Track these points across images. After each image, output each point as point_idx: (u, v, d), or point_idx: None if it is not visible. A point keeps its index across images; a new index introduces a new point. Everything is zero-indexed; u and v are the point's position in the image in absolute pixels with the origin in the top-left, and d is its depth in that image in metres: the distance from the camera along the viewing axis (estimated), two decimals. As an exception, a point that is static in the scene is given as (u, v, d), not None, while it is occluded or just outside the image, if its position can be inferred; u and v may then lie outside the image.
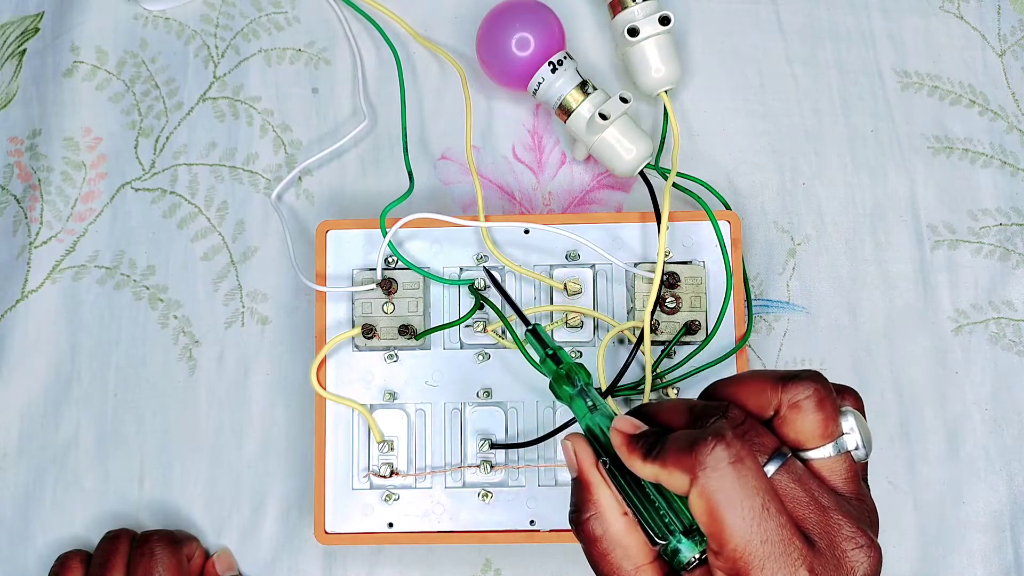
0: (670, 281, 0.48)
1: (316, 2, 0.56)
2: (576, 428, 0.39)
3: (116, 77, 0.55)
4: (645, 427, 0.34)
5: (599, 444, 0.35)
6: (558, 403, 0.49)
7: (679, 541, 0.33)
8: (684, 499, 0.32)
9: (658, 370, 0.48)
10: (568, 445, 0.36)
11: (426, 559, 0.51)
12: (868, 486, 0.34)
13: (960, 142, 0.54)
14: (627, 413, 0.36)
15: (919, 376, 0.52)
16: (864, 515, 0.32)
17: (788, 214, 0.53)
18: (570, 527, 0.35)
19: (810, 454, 0.32)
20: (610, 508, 0.34)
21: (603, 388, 0.47)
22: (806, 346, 0.52)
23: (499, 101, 0.55)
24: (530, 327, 0.40)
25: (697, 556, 0.33)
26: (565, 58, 0.50)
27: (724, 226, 0.49)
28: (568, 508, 0.35)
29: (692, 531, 0.33)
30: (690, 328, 0.48)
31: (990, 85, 0.55)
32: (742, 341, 0.49)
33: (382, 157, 0.54)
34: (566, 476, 0.48)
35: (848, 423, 0.33)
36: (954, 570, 0.50)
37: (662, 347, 0.49)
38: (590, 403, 0.37)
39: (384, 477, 0.48)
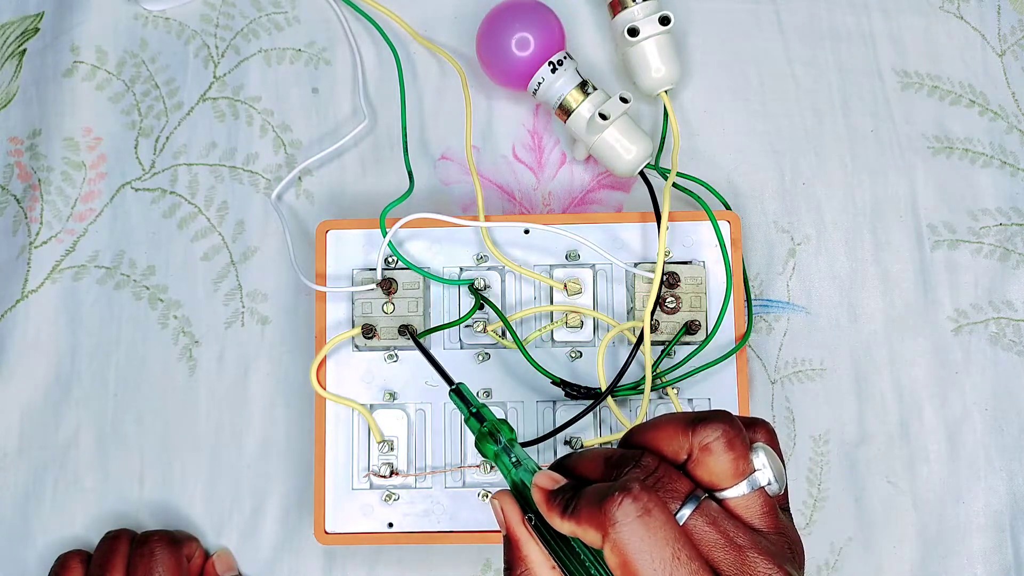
0: (670, 281, 0.48)
1: (316, 2, 0.56)
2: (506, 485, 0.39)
3: (116, 77, 0.55)
4: (564, 481, 0.34)
5: (525, 500, 0.35)
6: (559, 403, 0.49)
7: None
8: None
9: (658, 370, 0.48)
10: (496, 503, 0.36)
11: (426, 559, 0.51)
12: (790, 516, 0.34)
13: (960, 142, 0.54)
14: (550, 466, 0.36)
15: (919, 376, 0.52)
16: (783, 550, 0.32)
17: (788, 214, 0.53)
18: None
19: (724, 494, 0.32)
20: (539, 563, 0.34)
21: (602, 388, 0.47)
22: (806, 346, 0.52)
23: (499, 101, 0.55)
24: (453, 387, 0.40)
25: None
26: (565, 58, 0.50)
27: (724, 226, 0.49)
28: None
29: None
30: (690, 328, 0.48)
31: (990, 85, 0.55)
32: (742, 341, 0.49)
33: (382, 157, 0.54)
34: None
35: (760, 459, 0.33)
36: (954, 570, 0.50)
37: (662, 347, 0.49)
38: (514, 459, 0.37)
39: (384, 477, 0.48)
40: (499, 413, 0.49)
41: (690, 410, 0.40)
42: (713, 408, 0.33)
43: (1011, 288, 0.53)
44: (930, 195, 0.53)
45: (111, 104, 0.55)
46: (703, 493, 0.32)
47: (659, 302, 0.48)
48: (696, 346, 0.48)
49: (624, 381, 0.47)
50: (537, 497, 0.34)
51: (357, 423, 0.49)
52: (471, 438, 0.49)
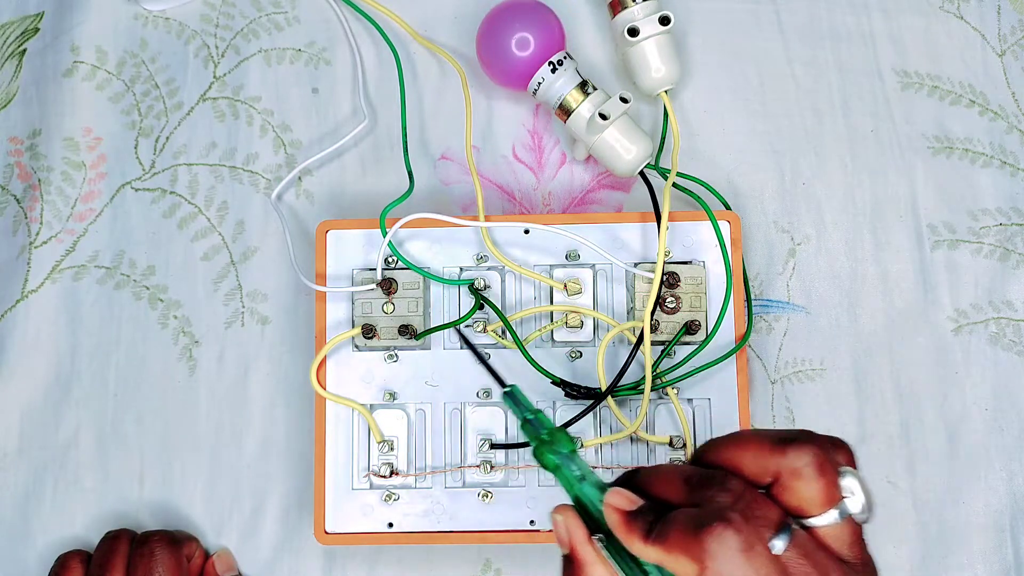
0: (670, 281, 0.48)
1: (316, 2, 0.56)
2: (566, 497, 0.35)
3: (116, 77, 0.55)
4: (640, 501, 0.32)
5: (589, 517, 0.33)
6: (559, 403, 0.49)
7: None
8: None
9: (658, 370, 0.48)
10: (559, 519, 0.33)
11: (426, 559, 0.51)
12: (866, 545, 0.32)
13: (960, 142, 0.54)
14: (616, 481, 0.34)
15: (919, 376, 0.52)
16: None
17: (788, 214, 0.53)
18: None
19: (812, 521, 0.30)
20: None
21: (602, 388, 0.47)
22: (806, 346, 0.52)
23: (499, 101, 0.55)
24: (507, 389, 0.36)
25: None
26: (565, 58, 0.50)
27: (724, 226, 0.49)
28: None
29: None
30: (690, 328, 0.48)
31: (990, 85, 0.55)
32: (742, 341, 0.49)
33: (382, 157, 0.54)
34: (566, 476, 0.48)
35: (849, 485, 0.31)
36: (954, 570, 0.50)
37: (662, 347, 0.49)
38: (578, 473, 0.34)
39: (384, 477, 0.48)
40: (499, 413, 0.49)
41: (775, 428, 0.37)
42: (795, 429, 0.31)
43: (1011, 288, 0.53)
44: (930, 195, 0.53)
45: (111, 104, 0.55)
46: (793, 522, 0.30)
47: (659, 302, 0.48)
48: (696, 346, 0.48)
49: (624, 381, 0.47)
50: (612, 518, 0.32)
51: (357, 423, 0.49)
52: (471, 438, 0.49)
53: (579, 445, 0.35)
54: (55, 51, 0.56)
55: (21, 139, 0.55)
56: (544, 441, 0.34)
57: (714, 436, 0.48)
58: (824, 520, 0.30)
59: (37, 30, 0.57)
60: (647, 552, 0.31)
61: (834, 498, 0.30)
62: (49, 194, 0.54)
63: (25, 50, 0.56)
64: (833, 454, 0.31)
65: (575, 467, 0.34)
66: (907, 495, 0.51)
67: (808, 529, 0.30)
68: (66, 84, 0.55)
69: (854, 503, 0.31)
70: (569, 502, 0.34)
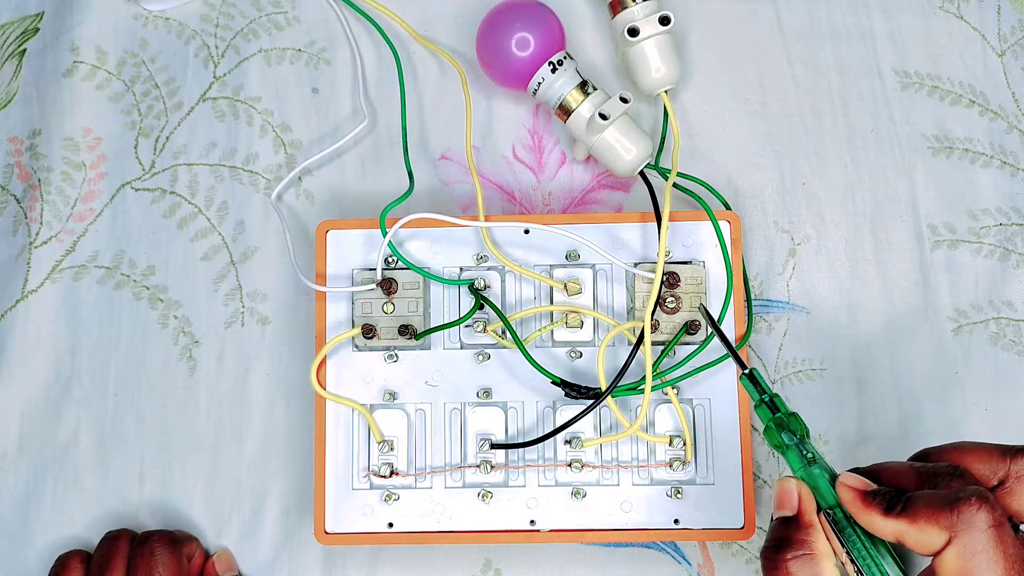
0: (670, 281, 0.48)
1: (316, 2, 0.56)
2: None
3: (116, 77, 0.55)
4: (874, 486, 0.34)
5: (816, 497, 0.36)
6: (559, 403, 0.49)
7: None
8: (901, 560, 0.34)
9: (658, 370, 0.48)
10: (792, 484, 0.36)
11: (426, 559, 0.51)
12: None
13: (960, 142, 0.54)
14: (848, 471, 0.36)
15: (919, 376, 0.52)
16: None
17: (788, 214, 0.53)
18: (763, 565, 0.35)
19: None
20: (823, 555, 0.34)
21: (602, 388, 0.47)
22: (806, 346, 0.52)
23: (499, 101, 0.55)
24: (747, 371, 0.40)
25: None
26: (565, 58, 0.50)
27: (724, 226, 0.49)
28: (764, 542, 0.36)
29: None
30: (690, 328, 0.48)
31: (990, 85, 0.55)
32: (742, 341, 0.49)
33: (382, 157, 0.54)
34: (566, 476, 0.48)
35: None
36: (954, 570, 0.50)
37: (662, 347, 0.49)
38: (809, 455, 0.37)
39: (384, 477, 0.48)
40: (499, 413, 0.49)
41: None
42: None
43: (1011, 288, 0.53)
44: (930, 195, 0.53)
45: (111, 104, 0.55)
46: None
47: (659, 302, 0.48)
48: (696, 346, 0.48)
49: (624, 381, 0.47)
50: (848, 495, 0.35)
51: (357, 423, 0.49)
52: (471, 438, 0.49)
53: (801, 436, 0.38)
54: (55, 51, 0.56)
55: (21, 139, 0.55)
56: (777, 423, 0.38)
57: (715, 436, 0.48)
58: None
59: (37, 30, 0.57)
60: (886, 525, 0.33)
61: None
62: (49, 194, 0.54)
63: (25, 50, 0.56)
64: None
65: (806, 449, 0.37)
66: (907, 495, 0.51)
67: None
68: (66, 84, 0.55)
69: None
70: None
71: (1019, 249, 0.53)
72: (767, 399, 0.38)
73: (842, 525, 0.35)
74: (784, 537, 0.35)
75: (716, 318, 0.48)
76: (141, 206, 0.54)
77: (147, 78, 0.55)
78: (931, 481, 0.33)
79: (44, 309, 0.53)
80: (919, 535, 0.32)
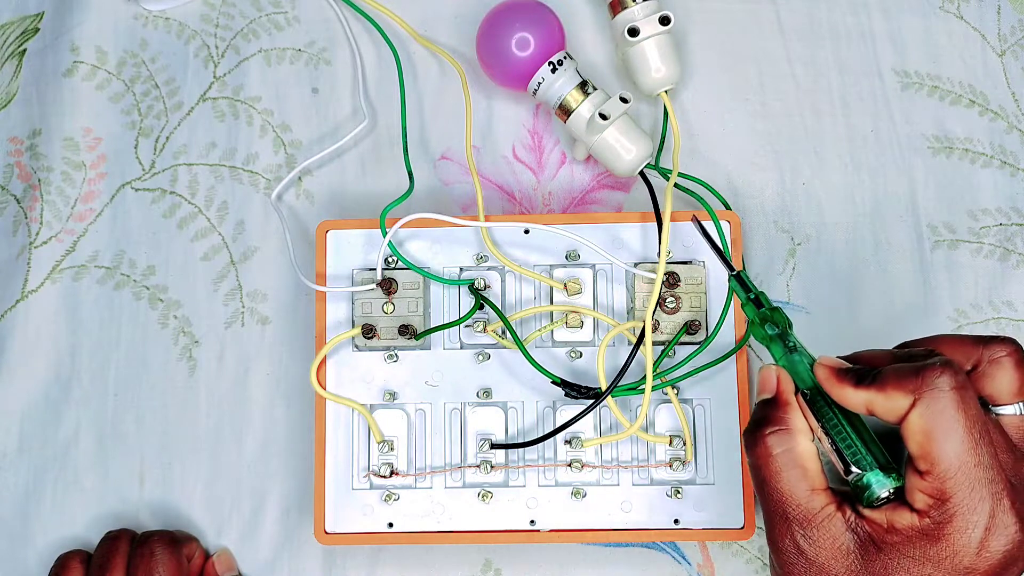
0: (670, 281, 0.48)
1: (316, 2, 0.56)
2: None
3: (116, 77, 0.55)
4: (850, 365, 0.36)
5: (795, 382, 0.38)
6: (559, 403, 0.49)
7: (875, 475, 0.35)
8: (878, 436, 0.36)
9: (658, 370, 0.48)
10: (771, 370, 0.38)
11: (426, 559, 0.51)
12: None
13: (960, 142, 0.54)
14: (834, 359, 0.38)
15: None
16: None
17: (788, 214, 0.53)
18: (744, 443, 0.38)
19: (999, 410, 0.35)
20: (800, 430, 0.37)
21: (602, 388, 0.47)
22: (806, 346, 0.52)
23: (499, 101, 0.55)
24: (735, 272, 0.42)
25: (890, 491, 0.35)
26: (565, 58, 0.50)
27: (724, 226, 0.49)
28: (746, 426, 0.38)
29: (887, 467, 0.35)
30: (690, 328, 0.48)
31: (990, 85, 0.55)
32: (742, 341, 0.49)
33: (382, 157, 0.54)
34: (566, 476, 0.48)
35: None
36: (954, 570, 0.50)
37: (662, 347, 0.49)
38: (791, 344, 0.39)
39: (384, 477, 0.48)
40: (499, 413, 0.49)
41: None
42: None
43: (1011, 288, 0.53)
44: (930, 195, 0.53)
45: (111, 104, 0.55)
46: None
47: (659, 302, 0.48)
48: (696, 346, 0.48)
49: (624, 381, 0.47)
50: (822, 373, 0.37)
51: (357, 423, 0.49)
52: (471, 438, 0.49)
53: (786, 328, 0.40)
54: (55, 51, 0.56)
55: (21, 139, 0.55)
56: (763, 318, 0.40)
57: (715, 436, 0.48)
58: (1010, 410, 0.35)
59: (37, 30, 0.57)
60: (856, 396, 0.35)
61: (1022, 392, 0.35)
62: (49, 194, 0.54)
63: (25, 50, 0.56)
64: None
65: (789, 340, 0.39)
66: (907, 495, 0.51)
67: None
68: (66, 84, 0.55)
69: None
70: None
71: (1019, 249, 0.53)
72: (753, 296, 0.41)
73: (818, 404, 0.37)
74: (763, 416, 0.37)
75: (717, 318, 0.48)
76: (141, 206, 0.54)
77: (147, 78, 0.55)
78: (906, 362, 0.35)
79: (44, 309, 0.53)
80: (886, 402, 0.34)
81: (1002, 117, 0.54)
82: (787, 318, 0.40)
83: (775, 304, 0.42)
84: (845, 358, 0.38)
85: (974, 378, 0.35)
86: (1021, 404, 0.35)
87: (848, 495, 0.37)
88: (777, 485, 0.36)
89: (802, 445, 0.36)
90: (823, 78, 0.55)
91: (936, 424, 0.33)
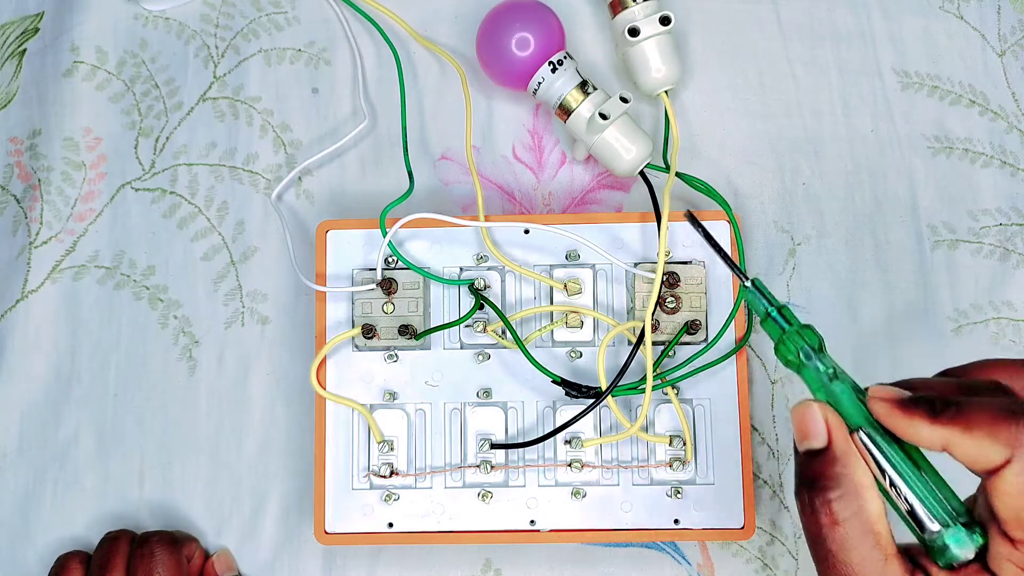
0: (670, 281, 0.48)
1: (316, 2, 0.56)
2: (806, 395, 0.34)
3: (116, 77, 0.55)
4: (908, 394, 0.30)
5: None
6: (559, 403, 0.49)
7: (955, 533, 0.29)
8: (937, 481, 0.30)
9: (658, 370, 0.48)
10: (814, 409, 0.31)
11: (426, 559, 0.51)
12: None
13: (960, 142, 0.54)
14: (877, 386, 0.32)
15: (919, 376, 0.52)
16: None
17: (788, 214, 0.53)
18: (799, 506, 0.31)
19: None
20: (866, 485, 0.30)
21: (602, 388, 0.47)
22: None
23: (499, 101, 0.55)
24: (750, 281, 0.34)
25: (975, 551, 0.29)
26: (565, 58, 0.50)
27: (725, 226, 0.49)
28: (794, 484, 0.31)
29: (967, 522, 0.29)
30: (690, 328, 0.48)
31: (990, 85, 0.55)
32: (742, 341, 0.49)
33: (382, 157, 0.54)
34: (566, 476, 0.48)
35: None
36: (954, 570, 0.50)
37: (662, 347, 0.49)
38: (829, 370, 0.32)
39: (384, 477, 0.48)
40: (499, 413, 0.49)
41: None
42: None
43: (1011, 288, 0.52)
44: (930, 195, 0.53)
45: (111, 104, 0.55)
46: None
47: (659, 302, 0.48)
48: (696, 346, 0.48)
49: (624, 381, 0.47)
50: (882, 408, 0.30)
51: (357, 423, 0.49)
52: (471, 438, 0.49)
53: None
54: (55, 51, 0.56)
55: (21, 139, 0.55)
56: (792, 334, 0.32)
57: (715, 436, 0.48)
58: None
59: (37, 30, 0.56)
60: (933, 433, 0.29)
61: None
62: (49, 194, 0.54)
63: (25, 50, 0.56)
64: None
65: (825, 364, 0.32)
66: (907, 495, 0.51)
67: None
68: (66, 84, 0.55)
69: None
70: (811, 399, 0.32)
71: (1019, 249, 0.53)
72: (773, 311, 0.33)
73: (878, 444, 0.31)
74: (820, 473, 0.30)
75: (718, 319, 0.48)
76: (141, 206, 0.54)
77: (147, 78, 0.55)
78: (973, 394, 0.30)
79: (44, 309, 0.53)
80: (974, 447, 0.28)
81: (1002, 117, 0.54)
82: (819, 336, 0.33)
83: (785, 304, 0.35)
84: (897, 385, 0.32)
85: None
86: None
87: (913, 551, 0.31)
88: (847, 558, 0.30)
89: (871, 504, 0.30)
90: (823, 78, 0.55)
91: None
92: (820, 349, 0.32)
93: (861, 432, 0.31)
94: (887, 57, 0.55)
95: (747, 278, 0.34)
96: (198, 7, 0.56)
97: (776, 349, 0.33)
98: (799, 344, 0.32)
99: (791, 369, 0.33)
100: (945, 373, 0.33)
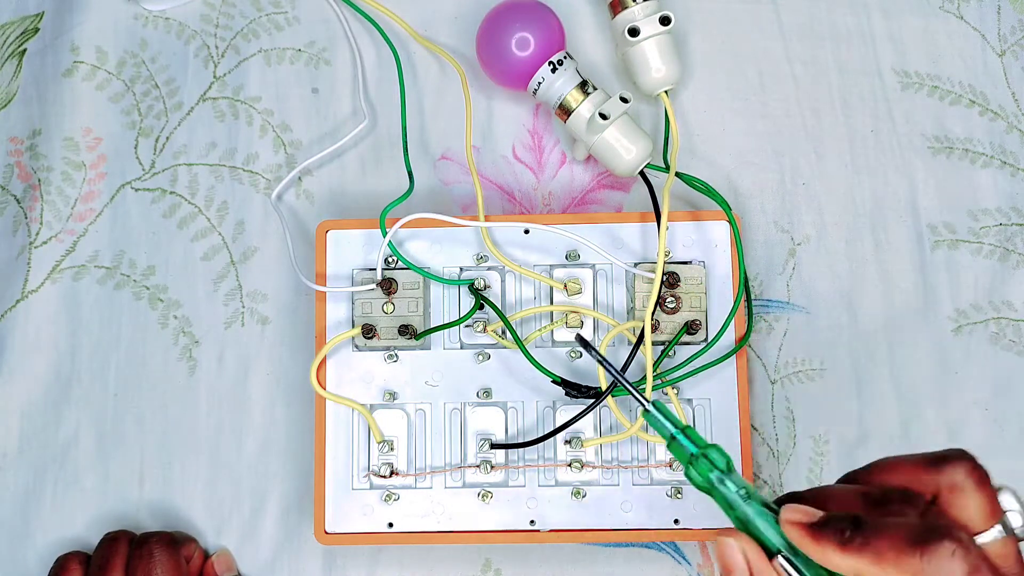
0: (670, 281, 0.48)
1: (316, 2, 0.56)
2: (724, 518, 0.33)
3: (116, 77, 0.55)
4: (820, 513, 0.30)
5: (756, 538, 0.31)
6: (559, 403, 0.49)
7: None
8: None
9: (658, 370, 0.48)
10: (732, 544, 0.31)
11: (426, 559, 0.51)
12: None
13: (960, 142, 0.54)
14: (776, 501, 0.32)
15: (919, 376, 0.52)
16: None
17: (788, 214, 0.53)
18: None
19: (978, 539, 0.29)
20: None
21: (603, 388, 0.47)
22: (806, 346, 0.52)
23: (499, 101, 0.55)
24: (650, 404, 0.34)
25: None
26: (565, 58, 0.50)
27: (725, 226, 0.49)
28: None
29: None
30: (690, 328, 0.48)
31: (990, 85, 0.55)
32: (742, 341, 0.49)
33: (382, 157, 0.54)
34: (566, 476, 0.48)
35: (1007, 501, 0.30)
36: (954, 570, 0.50)
37: (662, 347, 0.49)
38: (742, 491, 0.32)
39: (384, 477, 0.48)
40: (499, 413, 0.49)
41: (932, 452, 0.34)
42: (946, 449, 0.31)
43: (1011, 288, 0.52)
44: (930, 195, 0.53)
45: (111, 104, 0.55)
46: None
47: (659, 302, 0.48)
48: (696, 346, 0.48)
49: (624, 381, 0.47)
50: (795, 533, 0.30)
51: (357, 423, 0.49)
52: (471, 438, 0.49)
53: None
54: (55, 51, 0.56)
55: (21, 139, 0.55)
56: (697, 456, 0.33)
57: (715, 436, 0.48)
58: (988, 537, 0.30)
59: (37, 30, 0.56)
60: (843, 561, 0.29)
61: (996, 513, 0.30)
62: (49, 194, 0.54)
63: (25, 50, 0.56)
64: (985, 471, 0.30)
65: (737, 485, 0.32)
66: (907, 495, 0.51)
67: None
68: (66, 84, 0.55)
69: (1015, 517, 0.30)
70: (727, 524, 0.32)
71: (1019, 249, 0.53)
72: (679, 434, 0.33)
73: (799, 568, 0.31)
74: None
75: (718, 318, 0.48)
76: (141, 206, 0.54)
77: (147, 78, 0.55)
78: (879, 509, 0.30)
79: (44, 309, 0.53)
80: (881, 574, 0.28)
81: (1002, 117, 0.54)
82: (727, 456, 0.32)
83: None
84: (809, 499, 0.31)
85: (939, 509, 0.30)
86: (998, 527, 0.29)
87: None
88: None
89: None
90: (823, 78, 0.55)
91: None
92: (729, 469, 0.32)
93: (780, 557, 0.31)
94: (887, 57, 0.55)
95: (647, 400, 0.34)
96: (198, 7, 0.56)
97: (686, 472, 0.33)
98: (709, 468, 0.32)
99: (702, 491, 0.33)
100: (848, 477, 0.33)
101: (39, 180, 0.54)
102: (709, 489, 0.32)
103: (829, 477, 0.51)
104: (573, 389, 0.47)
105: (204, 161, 0.54)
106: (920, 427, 0.51)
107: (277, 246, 0.53)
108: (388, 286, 0.49)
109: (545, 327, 0.49)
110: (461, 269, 0.50)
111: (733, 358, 0.48)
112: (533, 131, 0.54)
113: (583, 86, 0.50)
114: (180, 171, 0.54)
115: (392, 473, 0.48)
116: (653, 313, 0.47)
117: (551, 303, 0.49)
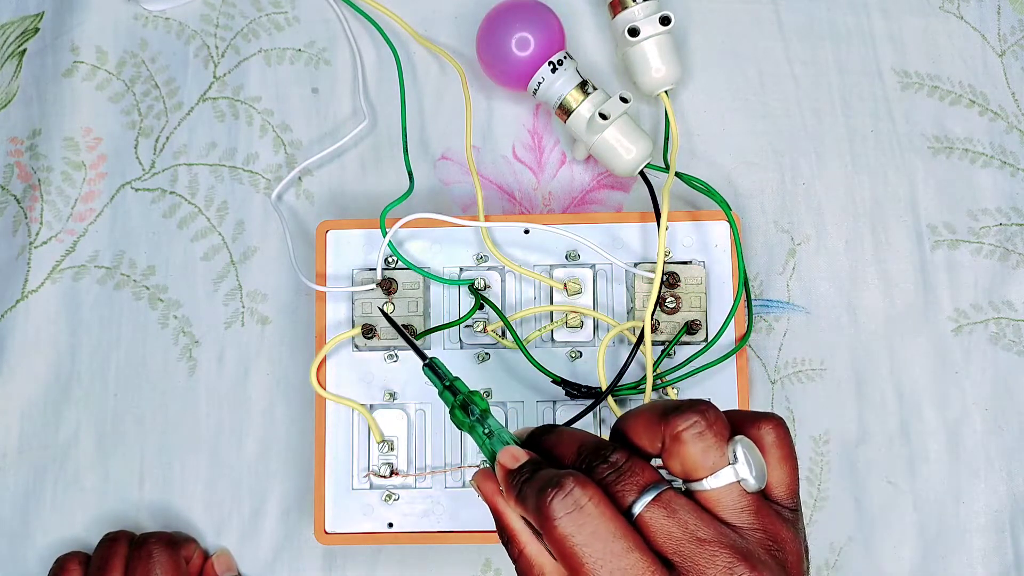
0: (670, 281, 0.48)
1: (316, 2, 0.56)
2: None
3: (116, 77, 0.55)
4: (524, 459, 0.34)
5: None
6: (559, 403, 0.49)
7: None
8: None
9: (658, 370, 0.48)
10: (473, 483, 0.36)
11: (426, 559, 0.51)
12: (798, 517, 0.33)
13: (960, 142, 0.54)
14: (529, 434, 0.36)
15: (919, 376, 0.52)
16: (760, 547, 0.31)
17: (788, 214, 0.53)
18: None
19: (696, 485, 0.32)
20: (519, 530, 0.34)
21: (603, 388, 0.47)
22: (806, 346, 0.52)
23: (499, 101, 0.55)
24: (427, 361, 0.39)
25: None
26: (565, 58, 0.50)
27: (724, 226, 0.49)
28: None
29: None
30: (690, 328, 0.48)
31: (990, 85, 0.55)
32: (742, 341, 0.49)
33: (382, 157, 0.54)
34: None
35: (737, 452, 0.32)
36: (954, 570, 0.50)
37: (662, 347, 0.49)
38: (487, 430, 0.36)
39: (384, 477, 0.48)
40: (500, 414, 0.49)
41: (674, 399, 0.39)
42: (690, 399, 0.33)
43: (1011, 288, 0.53)
44: (930, 195, 0.53)
45: (111, 104, 0.55)
46: (665, 484, 0.32)
47: (659, 302, 0.48)
48: (696, 346, 0.48)
49: (624, 381, 0.47)
50: (500, 475, 0.34)
51: (357, 423, 0.49)
52: (471, 438, 0.49)
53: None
54: (55, 51, 0.56)
55: (21, 139, 0.55)
56: (457, 405, 0.38)
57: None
58: (707, 485, 0.31)
59: (37, 30, 0.56)
60: (516, 511, 0.33)
61: (717, 463, 0.32)
62: (49, 194, 0.54)
63: (25, 50, 0.56)
64: (726, 423, 0.32)
65: (486, 427, 0.36)
66: (907, 495, 0.51)
67: (694, 493, 0.32)
68: (66, 84, 0.55)
69: (740, 469, 0.32)
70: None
71: (1019, 249, 0.53)
72: (448, 384, 0.38)
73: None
74: (502, 538, 0.35)
75: (718, 318, 0.48)
76: (141, 206, 0.54)
77: (147, 78, 0.55)
78: (584, 460, 0.33)
79: (44, 309, 0.53)
80: (536, 524, 0.32)
81: (1002, 117, 0.54)
82: (483, 400, 0.37)
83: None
84: (540, 438, 0.35)
85: (664, 458, 0.32)
86: (715, 476, 0.31)
87: None
88: None
89: (529, 547, 0.33)
90: (823, 78, 0.55)
91: (563, 552, 0.30)
92: (485, 412, 0.37)
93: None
94: (887, 57, 0.55)
95: (425, 358, 0.39)
96: (198, 7, 0.56)
97: (450, 415, 0.38)
98: (465, 416, 0.37)
99: (464, 431, 0.37)
100: (616, 423, 0.35)
101: (39, 180, 0.54)
102: (469, 430, 0.37)
103: (829, 477, 0.51)
104: (573, 389, 0.47)
105: (204, 161, 0.54)
106: (920, 427, 0.51)
107: (277, 246, 0.53)
108: (388, 286, 0.49)
109: (545, 327, 0.49)
110: (461, 269, 0.50)
111: (733, 358, 0.48)
112: (533, 131, 0.54)
113: (583, 86, 0.50)
114: (180, 171, 0.54)
115: (392, 473, 0.48)
116: (653, 313, 0.47)
117: (551, 303, 0.49)
